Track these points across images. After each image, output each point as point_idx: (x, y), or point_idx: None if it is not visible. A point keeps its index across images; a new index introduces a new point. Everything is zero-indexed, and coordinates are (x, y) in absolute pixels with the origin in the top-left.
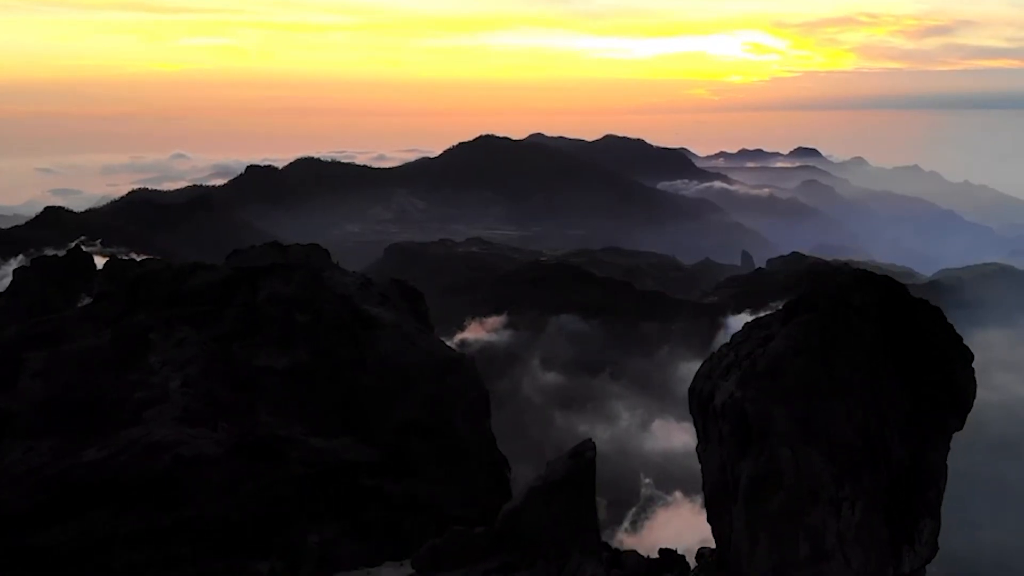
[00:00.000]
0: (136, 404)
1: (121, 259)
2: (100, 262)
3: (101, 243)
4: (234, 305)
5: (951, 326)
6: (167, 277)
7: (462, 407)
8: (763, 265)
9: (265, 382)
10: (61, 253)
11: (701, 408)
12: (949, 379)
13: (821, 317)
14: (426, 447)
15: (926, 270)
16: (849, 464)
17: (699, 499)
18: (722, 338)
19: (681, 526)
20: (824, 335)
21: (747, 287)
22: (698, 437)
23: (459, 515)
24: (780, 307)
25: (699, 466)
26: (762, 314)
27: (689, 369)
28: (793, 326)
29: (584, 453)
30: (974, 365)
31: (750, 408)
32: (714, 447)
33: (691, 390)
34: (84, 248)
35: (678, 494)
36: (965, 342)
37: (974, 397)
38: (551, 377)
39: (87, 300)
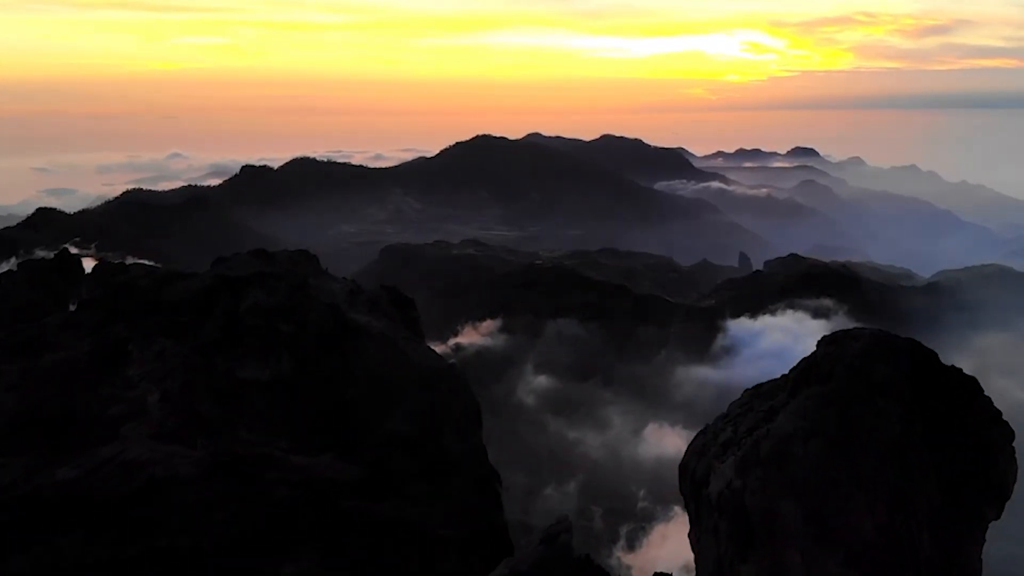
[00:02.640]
0: (112, 419)
1: (110, 263)
2: (93, 265)
3: (96, 246)
4: (216, 315)
5: (989, 400)
6: (149, 284)
7: (451, 419)
8: (760, 266)
9: (246, 395)
10: (52, 255)
11: (694, 491)
12: (988, 463)
13: (838, 392)
14: (413, 462)
15: (924, 271)
16: (870, 568)
17: None
18: (721, 342)
19: (679, 543)
20: (842, 416)
21: (744, 290)
22: (690, 521)
23: (446, 537)
24: (779, 308)
25: None
26: (760, 318)
27: (686, 374)
28: (804, 401)
29: (557, 537)
30: (972, 369)
31: (752, 502)
32: (709, 538)
33: (682, 467)
34: (77, 251)
35: (677, 508)
36: (964, 346)
37: (1015, 482)
38: (547, 383)
39: (76, 305)
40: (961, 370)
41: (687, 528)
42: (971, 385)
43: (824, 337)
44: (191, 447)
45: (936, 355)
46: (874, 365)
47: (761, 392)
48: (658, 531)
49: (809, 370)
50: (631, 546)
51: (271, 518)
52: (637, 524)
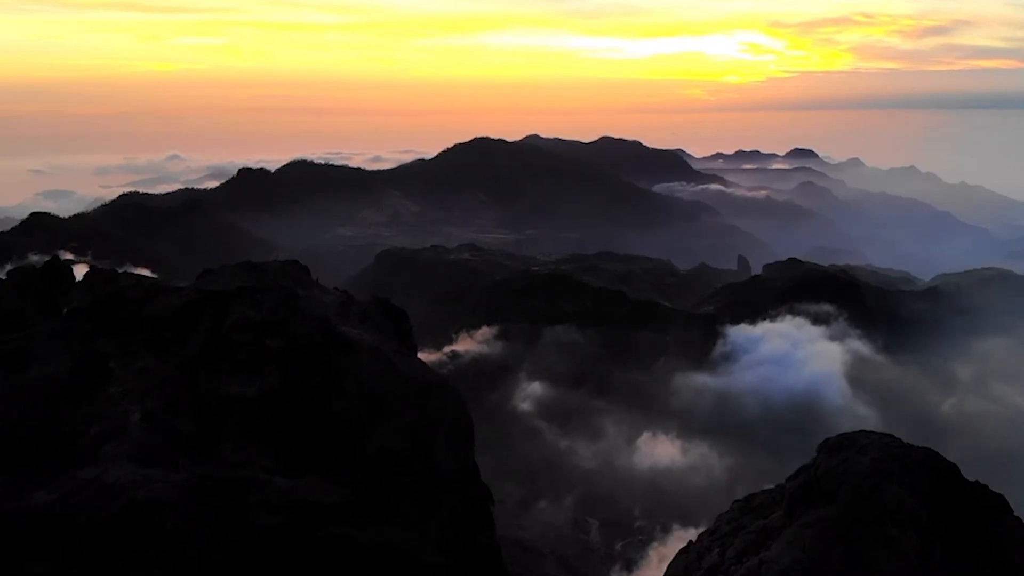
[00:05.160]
0: (92, 439)
1: (100, 270)
2: (86, 271)
3: (92, 254)
4: (200, 331)
5: (1019, 521)
6: (136, 296)
7: (443, 435)
8: (759, 269)
9: (231, 412)
10: (47, 259)
11: None
12: None
13: (842, 518)
14: (402, 481)
15: (924, 274)
16: None
17: (694, 530)
18: (720, 348)
19: None
20: (847, 548)
21: (743, 295)
22: None
23: (435, 563)
24: (778, 314)
25: (694, 489)
26: (760, 323)
27: (685, 381)
28: (803, 528)
29: None
30: (972, 375)
31: None
32: None
33: None
34: (72, 256)
35: (675, 525)
36: (965, 351)
37: None
38: (543, 390)
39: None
40: (987, 487)
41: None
42: (997, 504)
43: (827, 441)
44: (173, 468)
45: (957, 469)
46: (885, 485)
47: (753, 506)
48: (656, 550)
49: (809, 487)
50: (628, 568)
51: (252, 546)
52: (634, 538)
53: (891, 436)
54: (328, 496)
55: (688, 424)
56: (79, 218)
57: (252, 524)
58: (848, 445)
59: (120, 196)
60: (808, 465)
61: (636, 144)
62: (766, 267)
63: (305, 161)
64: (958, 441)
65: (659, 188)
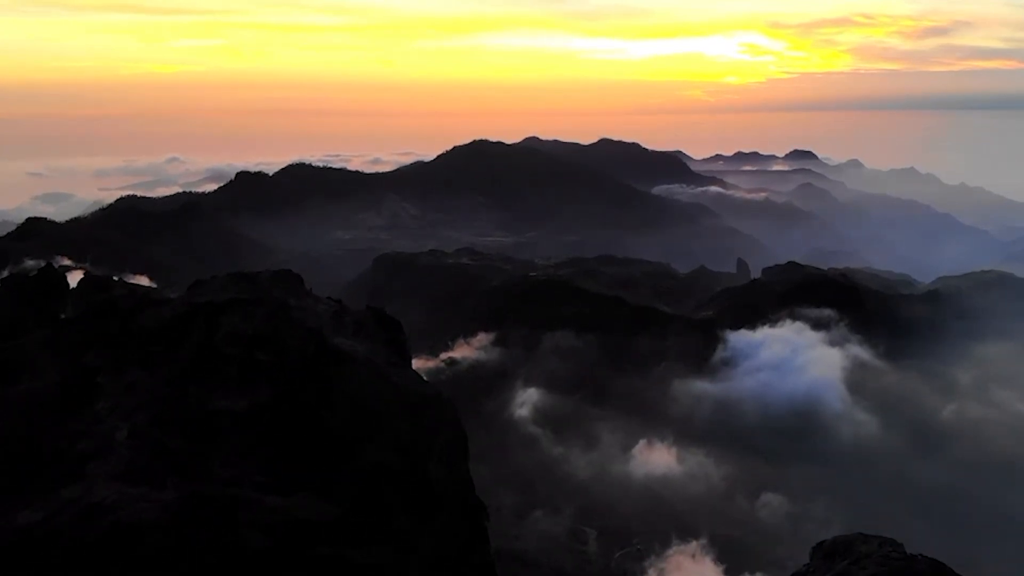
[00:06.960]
0: (79, 457)
1: (95, 277)
2: (80, 279)
3: (90, 259)
4: (190, 344)
5: None
6: (128, 306)
7: (437, 449)
8: (759, 272)
9: (221, 427)
10: (43, 265)
11: None
12: None
13: None
14: (395, 496)
15: (924, 276)
16: None
17: (694, 541)
18: (720, 353)
19: None
20: None
21: (743, 300)
22: None
23: None
24: (778, 319)
25: (692, 497)
26: (759, 328)
27: (683, 387)
28: None
29: None
30: (973, 380)
31: None
32: None
33: None
34: (70, 261)
35: (673, 536)
36: (965, 356)
37: None
38: (541, 397)
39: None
40: None
41: (684, 564)
42: None
43: (820, 545)
44: (160, 487)
45: None
46: None
47: None
48: (654, 564)
49: None
50: None
51: (242, 567)
52: (632, 548)
53: (892, 542)
54: (320, 513)
55: (687, 431)
56: (76, 223)
57: (242, 544)
58: (843, 552)
59: (118, 200)
60: (800, 573)
61: (635, 146)
62: (765, 271)
63: (304, 164)
64: (959, 447)
65: (658, 190)
